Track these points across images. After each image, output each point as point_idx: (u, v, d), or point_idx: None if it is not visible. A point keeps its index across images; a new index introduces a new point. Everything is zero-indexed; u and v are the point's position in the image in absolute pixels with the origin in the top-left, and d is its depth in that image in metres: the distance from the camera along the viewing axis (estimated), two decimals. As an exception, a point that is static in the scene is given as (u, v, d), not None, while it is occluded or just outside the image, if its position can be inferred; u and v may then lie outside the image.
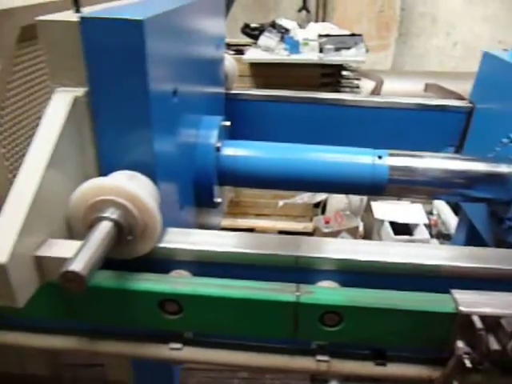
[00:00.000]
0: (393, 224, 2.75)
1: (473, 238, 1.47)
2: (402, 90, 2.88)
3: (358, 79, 2.81)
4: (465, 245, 1.54)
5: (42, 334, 0.77)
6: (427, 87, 1.59)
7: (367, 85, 2.78)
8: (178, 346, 0.74)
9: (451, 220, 2.76)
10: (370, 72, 2.45)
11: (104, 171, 0.74)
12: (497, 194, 1.08)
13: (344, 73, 2.80)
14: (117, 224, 0.63)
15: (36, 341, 0.76)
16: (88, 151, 0.73)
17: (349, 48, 2.49)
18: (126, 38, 0.64)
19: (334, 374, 0.74)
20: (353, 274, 0.74)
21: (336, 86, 2.69)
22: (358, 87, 2.81)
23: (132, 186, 0.64)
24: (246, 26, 2.91)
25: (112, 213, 0.64)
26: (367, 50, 2.54)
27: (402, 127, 1.47)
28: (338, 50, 2.49)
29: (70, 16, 0.66)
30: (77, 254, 0.56)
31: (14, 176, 0.89)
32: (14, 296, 0.56)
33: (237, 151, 1.06)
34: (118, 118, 0.69)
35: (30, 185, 0.59)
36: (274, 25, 2.77)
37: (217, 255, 0.74)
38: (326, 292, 0.68)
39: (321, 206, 2.94)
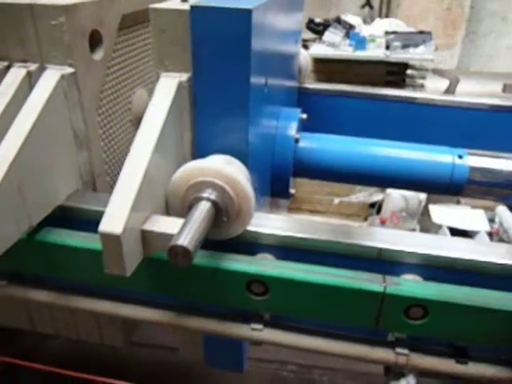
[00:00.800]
0: (450, 229, 2.67)
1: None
2: (468, 91, 2.78)
3: (423, 78, 2.74)
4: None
5: (131, 304, 0.82)
6: (506, 88, 1.52)
7: (433, 84, 2.70)
8: (259, 326, 0.77)
9: (515, 228, 2.63)
10: (444, 70, 2.38)
11: (198, 154, 0.77)
12: None
13: (408, 71, 2.74)
14: (215, 205, 0.66)
15: (125, 310, 0.81)
16: (185, 134, 0.76)
17: (417, 46, 2.43)
18: (234, 26, 0.66)
19: (412, 367, 0.74)
20: (435, 269, 0.73)
21: (400, 85, 2.64)
22: (422, 86, 2.74)
23: (232, 170, 0.66)
24: (311, 21, 2.90)
25: (211, 194, 0.67)
26: (436, 49, 2.47)
27: (475, 128, 1.43)
28: (405, 47, 2.43)
29: (179, 4, 0.69)
30: (182, 230, 0.60)
31: (108, 156, 0.96)
32: (124, 266, 0.60)
33: (314, 143, 1.07)
34: (218, 103, 0.73)
35: (140, 165, 0.63)
36: (339, 20, 2.75)
37: (301, 241, 0.75)
38: (413, 285, 0.69)
39: (376, 206, 2.90)
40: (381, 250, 0.74)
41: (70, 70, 0.78)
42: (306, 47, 2.77)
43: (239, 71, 0.69)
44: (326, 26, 2.80)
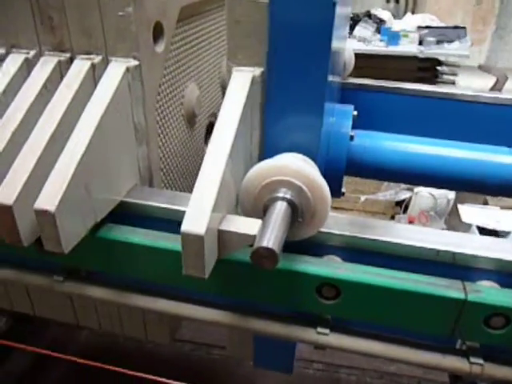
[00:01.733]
0: (479, 230, 2.62)
1: None
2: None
3: (454, 75, 2.68)
4: None
5: (189, 303, 0.80)
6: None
7: (464, 81, 2.64)
8: (326, 331, 0.75)
9: (545, 230, 2.59)
10: (491, 67, 2.31)
11: (266, 153, 0.75)
12: None
13: (440, 68, 2.68)
14: (292, 205, 0.64)
15: (184, 310, 0.80)
16: (254, 133, 0.74)
17: (451, 41, 2.37)
18: (317, 18, 0.63)
19: (487, 377, 0.71)
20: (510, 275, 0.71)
21: (432, 81, 2.58)
22: (453, 83, 2.68)
23: (311, 170, 0.64)
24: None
25: (287, 193, 0.64)
26: (472, 44, 2.41)
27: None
28: (439, 42, 2.38)
29: (256, -4, 0.67)
30: (265, 232, 0.57)
31: (161, 152, 0.94)
32: (203, 267, 0.58)
33: (368, 141, 1.04)
34: (292, 100, 0.70)
35: (219, 166, 0.61)
36: (369, 15, 2.70)
37: (371, 243, 0.73)
38: (495, 293, 0.66)
39: (403, 205, 2.86)
40: (455, 254, 0.71)
41: (134, 62, 0.75)
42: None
43: (318, 66, 0.67)
44: (355, 20, 2.75)
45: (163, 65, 0.86)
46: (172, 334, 1.10)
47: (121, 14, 0.72)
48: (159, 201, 0.79)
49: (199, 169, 0.62)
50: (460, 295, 0.65)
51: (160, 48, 0.83)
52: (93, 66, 0.76)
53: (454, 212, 2.73)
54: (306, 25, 0.64)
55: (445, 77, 2.62)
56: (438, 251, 0.71)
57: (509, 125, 1.33)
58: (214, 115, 1.22)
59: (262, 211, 0.67)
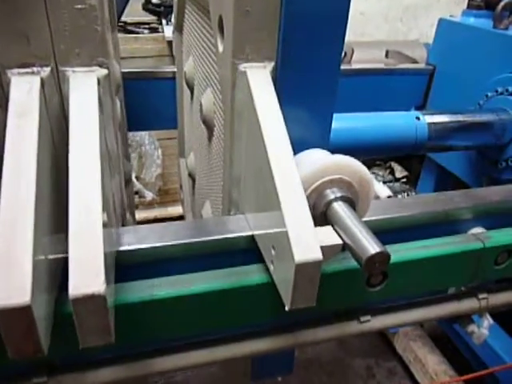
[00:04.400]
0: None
1: (441, 184, 1.71)
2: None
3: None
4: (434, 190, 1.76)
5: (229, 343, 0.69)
6: (389, 54, 1.73)
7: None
8: (368, 317, 0.74)
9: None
10: None
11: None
12: (499, 140, 1.27)
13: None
14: (350, 202, 0.61)
15: (225, 353, 0.68)
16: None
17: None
18: (333, 5, 0.59)
19: (491, 307, 0.82)
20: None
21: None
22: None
23: (359, 165, 0.61)
24: (148, 2, 2.72)
25: (339, 192, 0.60)
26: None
27: (372, 92, 1.60)
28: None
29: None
30: (358, 238, 0.53)
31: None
32: (314, 294, 0.51)
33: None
34: (306, 93, 0.65)
35: (293, 173, 0.53)
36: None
37: (394, 221, 0.75)
38: (498, 235, 0.75)
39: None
40: (447, 211, 0.79)
41: (103, 71, 0.58)
42: (154, 30, 2.59)
43: (331, 56, 0.63)
44: (166, 6, 2.65)
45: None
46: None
47: (79, 7, 0.54)
48: (160, 240, 0.64)
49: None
50: (479, 245, 0.73)
51: (111, 48, 0.65)
52: (42, 82, 0.55)
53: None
54: (321, 13, 0.59)
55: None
56: (438, 212, 0.78)
57: (355, 92, 1.49)
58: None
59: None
